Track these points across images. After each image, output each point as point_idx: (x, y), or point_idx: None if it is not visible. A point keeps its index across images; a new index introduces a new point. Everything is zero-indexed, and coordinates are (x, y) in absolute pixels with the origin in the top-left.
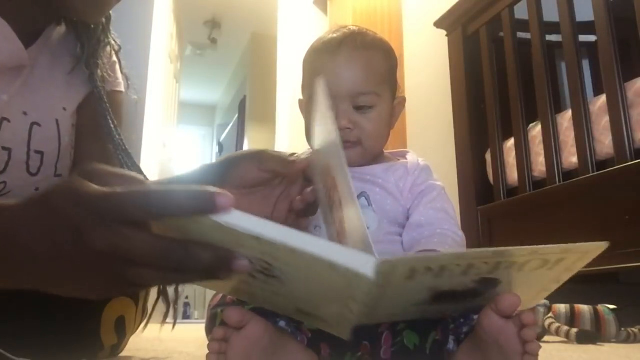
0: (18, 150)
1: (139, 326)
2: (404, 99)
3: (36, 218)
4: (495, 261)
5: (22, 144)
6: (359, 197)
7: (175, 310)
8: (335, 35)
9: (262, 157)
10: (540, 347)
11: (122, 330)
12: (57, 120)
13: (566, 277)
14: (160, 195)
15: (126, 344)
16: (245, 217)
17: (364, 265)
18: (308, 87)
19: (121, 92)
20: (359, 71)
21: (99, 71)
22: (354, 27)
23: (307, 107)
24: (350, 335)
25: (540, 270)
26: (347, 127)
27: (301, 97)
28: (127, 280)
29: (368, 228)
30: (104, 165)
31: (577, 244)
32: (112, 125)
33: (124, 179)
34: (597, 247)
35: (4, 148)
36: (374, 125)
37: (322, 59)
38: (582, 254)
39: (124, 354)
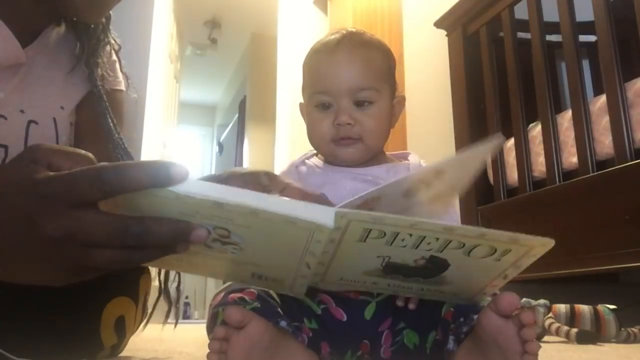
0: (15, 148)
1: (139, 326)
2: (403, 98)
3: None
4: (445, 238)
5: (19, 141)
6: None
7: (177, 310)
8: (333, 36)
9: (247, 179)
10: (539, 346)
11: (122, 330)
12: (54, 119)
13: (513, 273)
14: (112, 171)
15: (126, 344)
16: (202, 184)
17: (324, 216)
18: (308, 88)
19: (121, 90)
20: (357, 67)
21: (98, 70)
22: (352, 28)
23: (307, 108)
24: (304, 294)
25: (488, 259)
26: (348, 122)
27: (302, 101)
28: (86, 263)
29: None
30: (49, 144)
31: (524, 235)
32: (112, 124)
33: (71, 156)
34: (542, 243)
35: (0, 145)
36: (374, 121)
37: (320, 58)
38: (528, 248)
39: (124, 354)
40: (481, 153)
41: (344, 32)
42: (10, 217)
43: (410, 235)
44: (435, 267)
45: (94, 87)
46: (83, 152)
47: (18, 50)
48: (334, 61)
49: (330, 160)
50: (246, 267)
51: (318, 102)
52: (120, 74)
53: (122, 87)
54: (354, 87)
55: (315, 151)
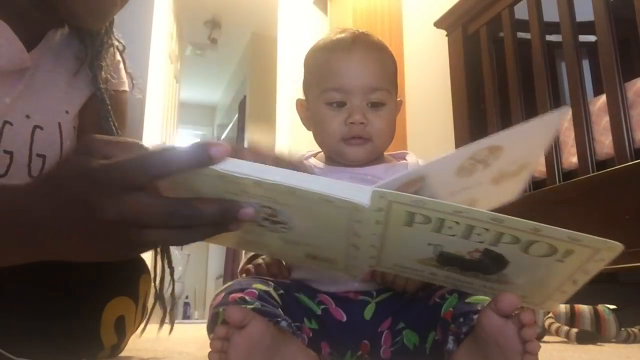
0: (20, 154)
1: (138, 326)
2: (401, 102)
3: (44, 195)
4: (496, 230)
5: (24, 147)
6: None
7: (172, 315)
8: (343, 35)
9: None
10: (539, 346)
11: (122, 330)
12: (59, 124)
13: (583, 279)
14: (157, 156)
15: (126, 344)
16: (242, 163)
17: (360, 195)
18: (318, 85)
19: (125, 91)
20: (374, 67)
21: (102, 73)
22: (358, 29)
23: (315, 104)
24: (360, 276)
25: (549, 259)
26: (362, 121)
27: (300, 97)
28: (139, 242)
29: None
30: (101, 135)
31: (586, 235)
32: (113, 128)
33: (123, 146)
34: (609, 247)
35: (5, 151)
36: (385, 122)
37: (335, 55)
38: (593, 251)
39: (124, 354)
40: (545, 125)
41: (355, 31)
42: (66, 202)
43: (457, 223)
44: (492, 262)
45: (97, 90)
46: (131, 140)
47: (23, 54)
48: (351, 59)
49: (335, 159)
50: (300, 247)
51: (330, 100)
52: (124, 75)
53: (126, 87)
54: (369, 86)
55: (312, 152)
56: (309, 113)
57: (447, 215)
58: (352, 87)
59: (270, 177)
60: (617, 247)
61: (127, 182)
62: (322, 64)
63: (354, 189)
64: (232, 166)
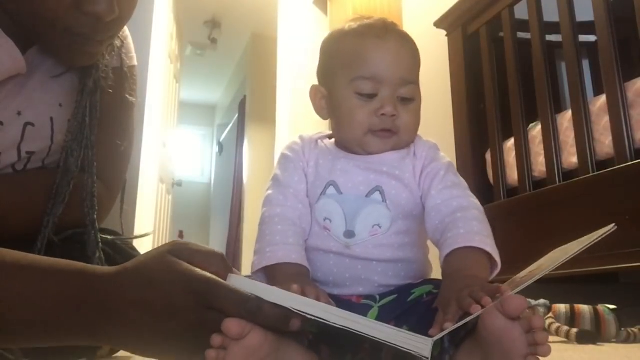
0: (8, 154)
1: None
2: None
3: (130, 287)
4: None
5: (13, 147)
6: (373, 191)
7: None
8: (372, 21)
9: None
10: (550, 349)
11: None
12: (51, 119)
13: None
14: (254, 305)
15: None
16: (308, 302)
17: (422, 348)
18: (348, 73)
19: (131, 66)
20: (407, 59)
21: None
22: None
23: (344, 93)
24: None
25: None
26: (393, 113)
27: (315, 83)
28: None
29: (380, 227)
30: (187, 243)
31: (591, 236)
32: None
33: (207, 257)
34: (609, 230)
35: None
36: (414, 118)
37: (368, 42)
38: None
39: (123, 354)
40: (590, 239)
41: (384, 19)
42: (154, 299)
43: None
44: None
45: (81, 92)
46: (213, 251)
47: (21, 62)
48: (386, 48)
49: (351, 148)
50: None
51: (360, 90)
52: (133, 48)
53: (133, 62)
54: (403, 78)
55: (327, 133)
56: (330, 102)
57: None
58: (386, 77)
59: (338, 320)
60: (610, 228)
61: (219, 305)
62: (351, 50)
63: (415, 341)
64: (303, 306)
